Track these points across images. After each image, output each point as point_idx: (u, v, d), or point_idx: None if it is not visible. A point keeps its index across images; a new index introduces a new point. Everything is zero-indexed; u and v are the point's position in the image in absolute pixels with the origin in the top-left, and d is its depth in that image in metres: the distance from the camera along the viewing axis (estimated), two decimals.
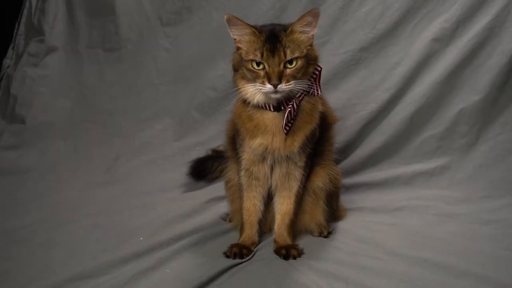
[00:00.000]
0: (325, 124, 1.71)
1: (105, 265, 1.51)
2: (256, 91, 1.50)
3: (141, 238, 1.75)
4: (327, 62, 2.37)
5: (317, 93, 1.58)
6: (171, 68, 3.01)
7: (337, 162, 1.91)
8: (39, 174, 2.58)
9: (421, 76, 2.40)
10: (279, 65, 1.45)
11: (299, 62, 1.48)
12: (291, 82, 1.46)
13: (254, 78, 1.48)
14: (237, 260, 1.55)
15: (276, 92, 1.46)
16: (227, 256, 1.58)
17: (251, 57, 1.47)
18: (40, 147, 2.89)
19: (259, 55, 1.46)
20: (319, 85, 1.58)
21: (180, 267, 1.52)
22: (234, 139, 1.72)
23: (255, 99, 1.52)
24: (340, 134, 2.33)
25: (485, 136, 2.35)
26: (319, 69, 1.58)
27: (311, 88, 1.55)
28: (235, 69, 1.56)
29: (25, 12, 3.36)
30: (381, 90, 2.44)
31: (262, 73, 1.47)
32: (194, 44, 2.94)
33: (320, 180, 1.72)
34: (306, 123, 1.58)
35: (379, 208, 2.06)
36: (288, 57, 1.46)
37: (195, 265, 1.55)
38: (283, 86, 1.45)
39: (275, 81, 1.44)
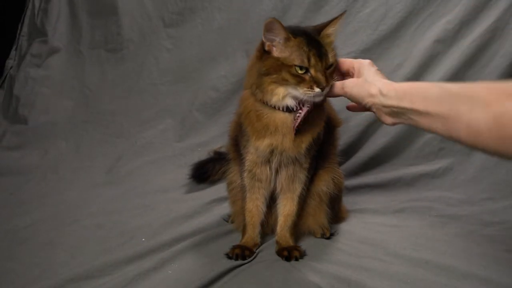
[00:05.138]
0: (330, 126, 1.71)
1: (107, 265, 1.51)
2: (286, 94, 1.47)
3: (143, 239, 1.75)
4: None
5: None
6: (173, 69, 3.01)
7: (340, 164, 1.91)
8: (41, 174, 2.59)
9: (424, 78, 2.40)
10: (324, 70, 1.44)
11: (334, 65, 1.48)
12: (330, 85, 1.45)
13: (298, 82, 1.44)
14: (239, 262, 1.54)
15: (321, 95, 1.44)
16: (229, 257, 1.57)
17: (297, 62, 1.43)
18: (42, 147, 2.90)
19: (306, 60, 1.43)
20: None
21: (182, 268, 1.52)
22: (237, 140, 1.72)
23: (283, 102, 1.49)
24: (343, 136, 2.32)
25: None
26: None
27: None
28: (267, 73, 1.48)
29: (28, 13, 3.38)
30: None
31: (307, 77, 1.43)
32: (196, 45, 2.95)
33: (324, 184, 1.72)
34: (313, 125, 1.57)
35: (381, 210, 2.06)
36: (330, 62, 1.45)
37: (197, 266, 1.54)
38: (326, 89, 1.44)
39: (323, 85, 1.42)
